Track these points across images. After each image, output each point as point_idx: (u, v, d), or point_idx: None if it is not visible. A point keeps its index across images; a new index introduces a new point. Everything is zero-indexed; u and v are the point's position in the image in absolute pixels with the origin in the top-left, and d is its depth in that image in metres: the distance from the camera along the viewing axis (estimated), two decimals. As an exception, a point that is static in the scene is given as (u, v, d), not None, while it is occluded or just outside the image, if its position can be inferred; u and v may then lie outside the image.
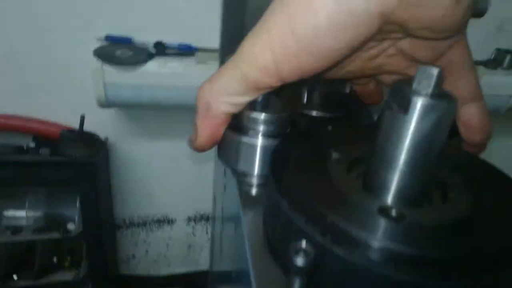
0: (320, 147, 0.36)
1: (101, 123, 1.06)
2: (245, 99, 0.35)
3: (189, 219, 1.34)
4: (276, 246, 0.30)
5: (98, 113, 1.00)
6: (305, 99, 0.53)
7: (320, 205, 0.27)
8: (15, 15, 0.86)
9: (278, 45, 0.30)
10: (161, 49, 0.91)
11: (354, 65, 0.38)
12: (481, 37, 0.97)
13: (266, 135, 0.38)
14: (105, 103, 0.92)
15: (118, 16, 0.89)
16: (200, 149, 0.38)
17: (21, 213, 1.08)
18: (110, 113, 1.06)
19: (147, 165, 1.19)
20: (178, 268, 1.42)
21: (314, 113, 0.52)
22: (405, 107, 0.26)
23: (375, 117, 0.55)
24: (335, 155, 0.34)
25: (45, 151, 0.98)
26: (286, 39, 0.29)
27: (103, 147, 1.06)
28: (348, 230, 0.25)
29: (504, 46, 1.02)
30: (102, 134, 1.07)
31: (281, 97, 0.41)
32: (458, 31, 0.32)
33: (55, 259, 1.15)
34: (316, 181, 0.31)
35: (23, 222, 1.08)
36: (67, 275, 1.13)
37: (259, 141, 0.38)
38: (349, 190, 0.30)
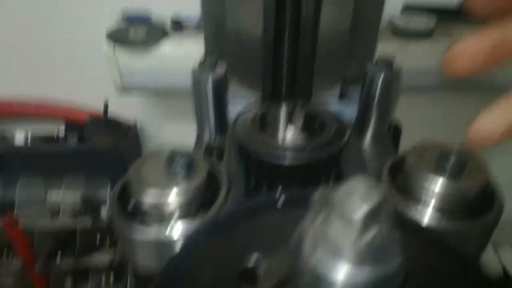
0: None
1: (130, 107, 1.05)
2: None
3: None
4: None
5: (126, 96, 0.95)
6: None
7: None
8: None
9: None
10: (178, 27, 0.88)
11: None
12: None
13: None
14: (123, 88, 0.89)
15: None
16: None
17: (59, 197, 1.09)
18: (140, 96, 1.04)
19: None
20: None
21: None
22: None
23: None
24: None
25: (73, 140, 1.02)
26: None
27: (131, 133, 1.05)
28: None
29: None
30: (131, 118, 1.05)
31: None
32: None
33: (97, 239, 1.15)
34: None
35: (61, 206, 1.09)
36: (107, 255, 1.13)
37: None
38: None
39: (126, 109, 1.04)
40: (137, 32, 0.89)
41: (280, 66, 0.61)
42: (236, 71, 0.58)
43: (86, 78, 1.01)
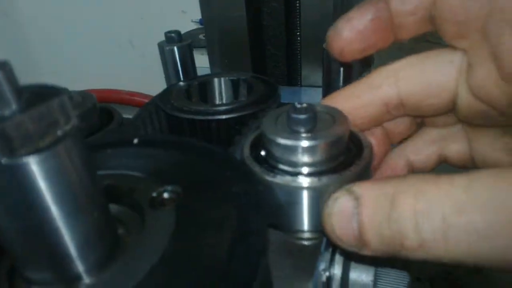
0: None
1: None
2: None
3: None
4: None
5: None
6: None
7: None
8: (133, 9, 1.17)
9: None
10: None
11: None
12: None
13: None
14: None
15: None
16: None
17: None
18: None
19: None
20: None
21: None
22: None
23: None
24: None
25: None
26: None
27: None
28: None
29: None
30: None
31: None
32: None
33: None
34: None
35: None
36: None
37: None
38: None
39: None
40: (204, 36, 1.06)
41: (265, 54, 0.68)
42: (230, 61, 0.67)
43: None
